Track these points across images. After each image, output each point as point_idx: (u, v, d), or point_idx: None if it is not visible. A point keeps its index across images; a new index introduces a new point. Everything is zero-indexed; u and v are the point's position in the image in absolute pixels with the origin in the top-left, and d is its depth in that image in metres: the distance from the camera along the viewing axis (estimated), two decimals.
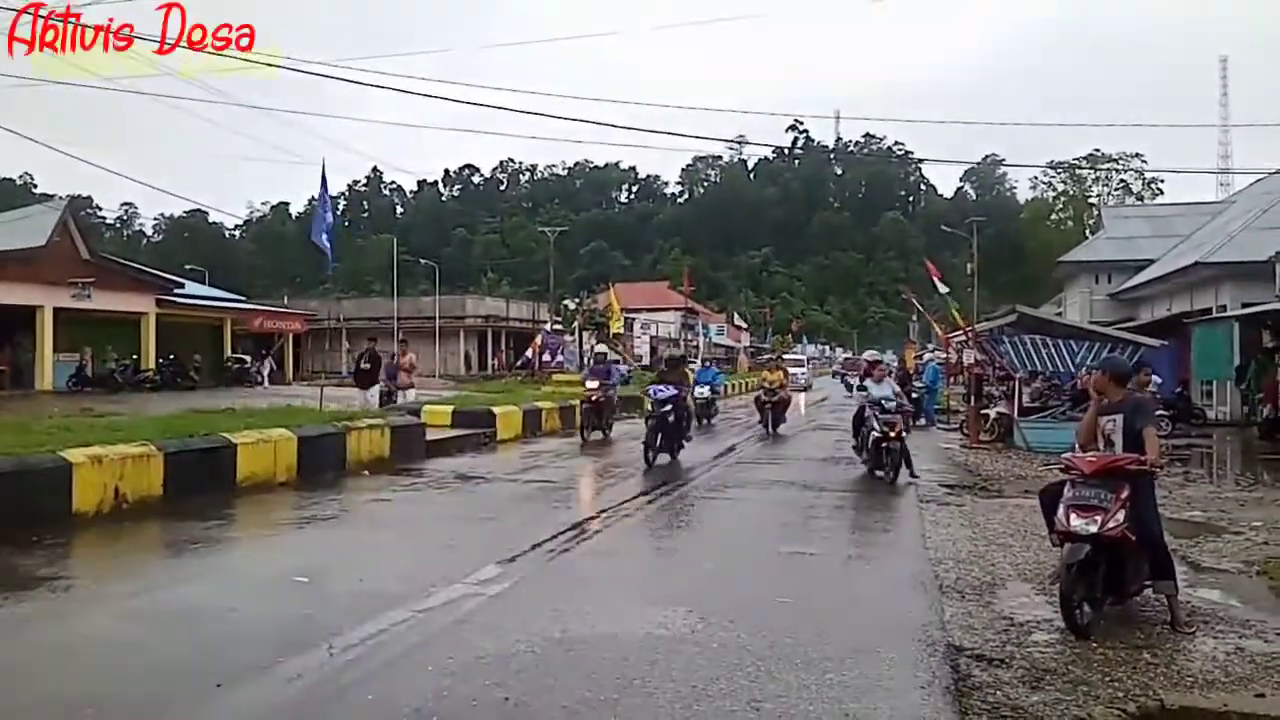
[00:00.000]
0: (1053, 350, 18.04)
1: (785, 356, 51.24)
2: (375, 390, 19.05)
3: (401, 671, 4.85)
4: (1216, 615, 6.17)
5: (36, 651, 5.25)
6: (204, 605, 6.23)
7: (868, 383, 13.77)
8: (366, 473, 12.91)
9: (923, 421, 24.08)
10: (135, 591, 6.67)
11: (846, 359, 75.06)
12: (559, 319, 55.45)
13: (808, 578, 7.43)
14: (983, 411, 19.87)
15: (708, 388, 23.13)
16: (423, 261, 71.58)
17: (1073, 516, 5.79)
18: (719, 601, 6.34)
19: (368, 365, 19.32)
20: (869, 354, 15.94)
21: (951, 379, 28.83)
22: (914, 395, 23.91)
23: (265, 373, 38.69)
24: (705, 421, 22.15)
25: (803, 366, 51.09)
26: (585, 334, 51.76)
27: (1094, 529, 5.67)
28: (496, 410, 18.89)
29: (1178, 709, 4.53)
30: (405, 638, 5.45)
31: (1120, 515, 5.69)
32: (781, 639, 5.46)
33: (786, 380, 21.72)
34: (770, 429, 20.37)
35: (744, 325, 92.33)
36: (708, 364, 25.77)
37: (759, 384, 22.40)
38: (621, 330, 57.15)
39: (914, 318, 63.47)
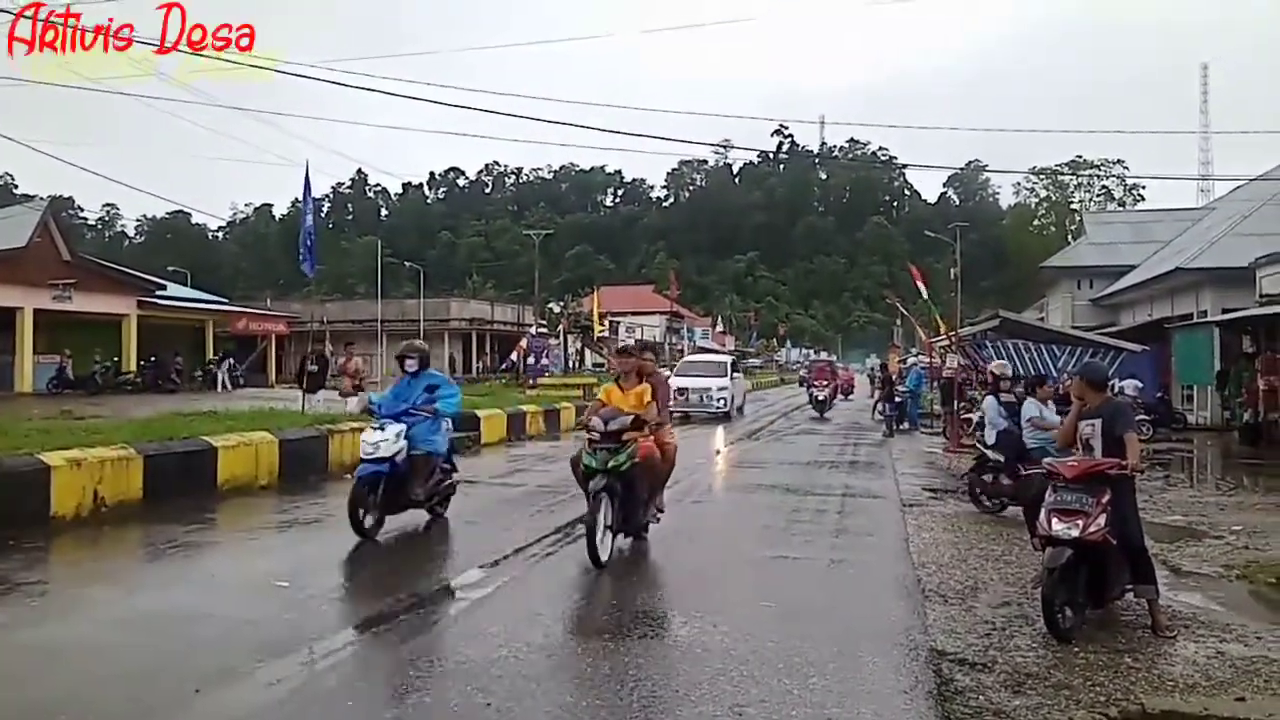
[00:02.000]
0: (1035, 355, 18.17)
1: (701, 355, 36.53)
2: (322, 395, 18.76)
3: (382, 676, 4.82)
4: (1197, 619, 6.20)
5: (13, 656, 5.19)
6: (183, 609, 6.17)
7: (1033, 405, 9.86)
8: (349, 476, 12.80)
9: (906, 426, 24.23)
10: (113, 596, 6.61)
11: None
12: (544, 322, 55.39)
13: (791, 582, 7.43)
14: (965, 416, 19.94)
15: (386, 434, 8.69)
16: (407, 264, 71.39)
17: (1054, 521, 5.82)
18: (702, 605, 6.32)
19: (314, 369, 19.04)
20: (996, 365, 12.00)
21: (934, 384, 28.94)
22: (898, 400, 24.06)
23: (222, 376, 36.36)
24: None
25: (724, 376, 26.80)
26: (570, 337, 51.72)
27: (1075, 533, 5.70)
28: (481, 414, 18.82)
29: (1159, 713, 4.55)
30: (387, 642, 5.42)
31: (1101, 519, 5.72)
32: (765, 643, 5.45)
33: (665, 404, 8.95)
34: (599, 555, 7.46)
35: (725, 330, 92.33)
36: (411, 367, 9.26)
37: (586, 418, 8.29)
38: (605, 333, 57.16)
39: (898, 322, 63.70)
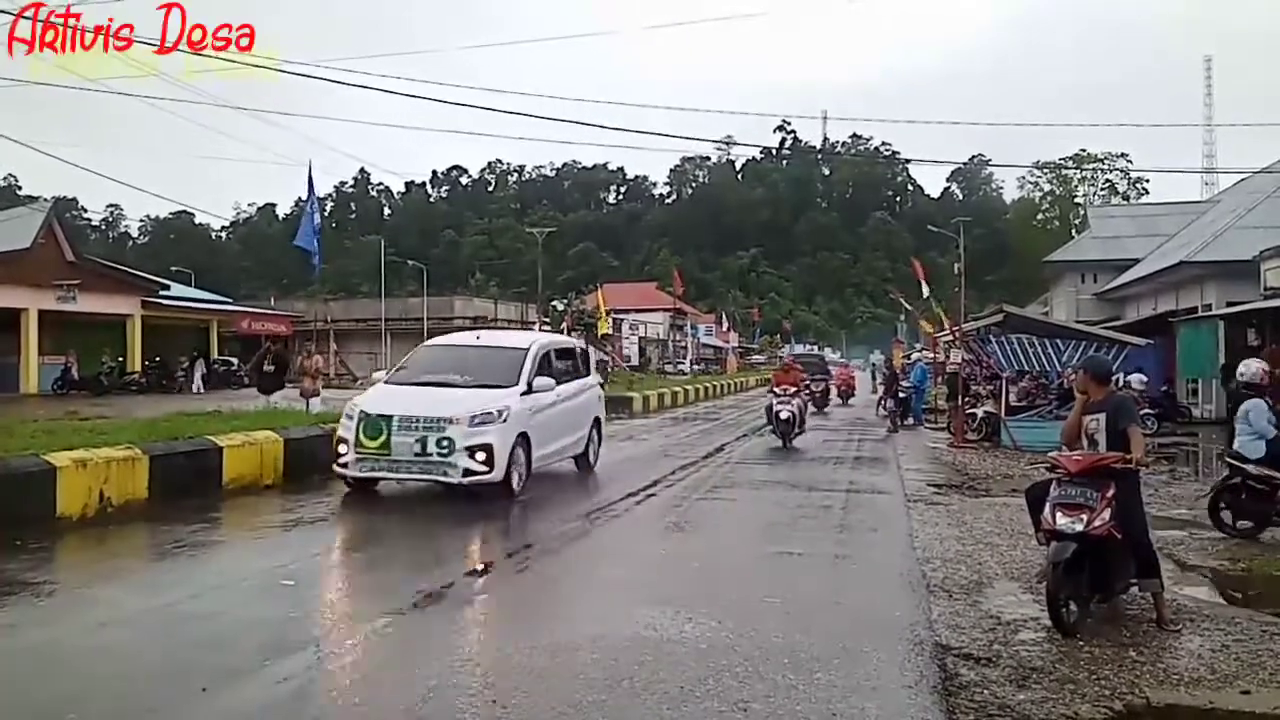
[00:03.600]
0: (1039, 349, 18.13)
1: (466, 339, 14.22)
2: (279, 396, 17.07)
3: (389, 675, 4.83)
4: (1202, 613, 6.19)
5: (19, 656, 5.20)
6: (189, 609, 6.18)
7: None
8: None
9: (910, 421, 24.22)
10: (120, 595, 6.63)
11: (801, 355, 40.64)
12: (547, 320, 55.35)
13: (795, 577, 7.44)
14: (970, 411, 19.95)
15: None
16: (411, 263, 71.37)
17: (1059, 515, 5.81)
18: (707, 602, 6.33)
19: (270, 368, 17.47)
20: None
21: (938, 379, 28.98)
22: (901, 395, 24.05)
23: (198, 377, 34.70)
24: None
25: (506, 386, 11.12)
26: (573, 335, 51.62)
27: (1080, 527, 5.70)
28: None
29: (1164, 707, 4.55)
30: (392, 641, 5.43)
31: (1106, 513, 5.71)
32: (769, 639, 5.46)
33: None
34: None
35: (729, 327, 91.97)
36: None
37: None
38: (610, 331, 57.10)
39: (902, 317, 63.52)
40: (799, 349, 63.59)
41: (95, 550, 8.35)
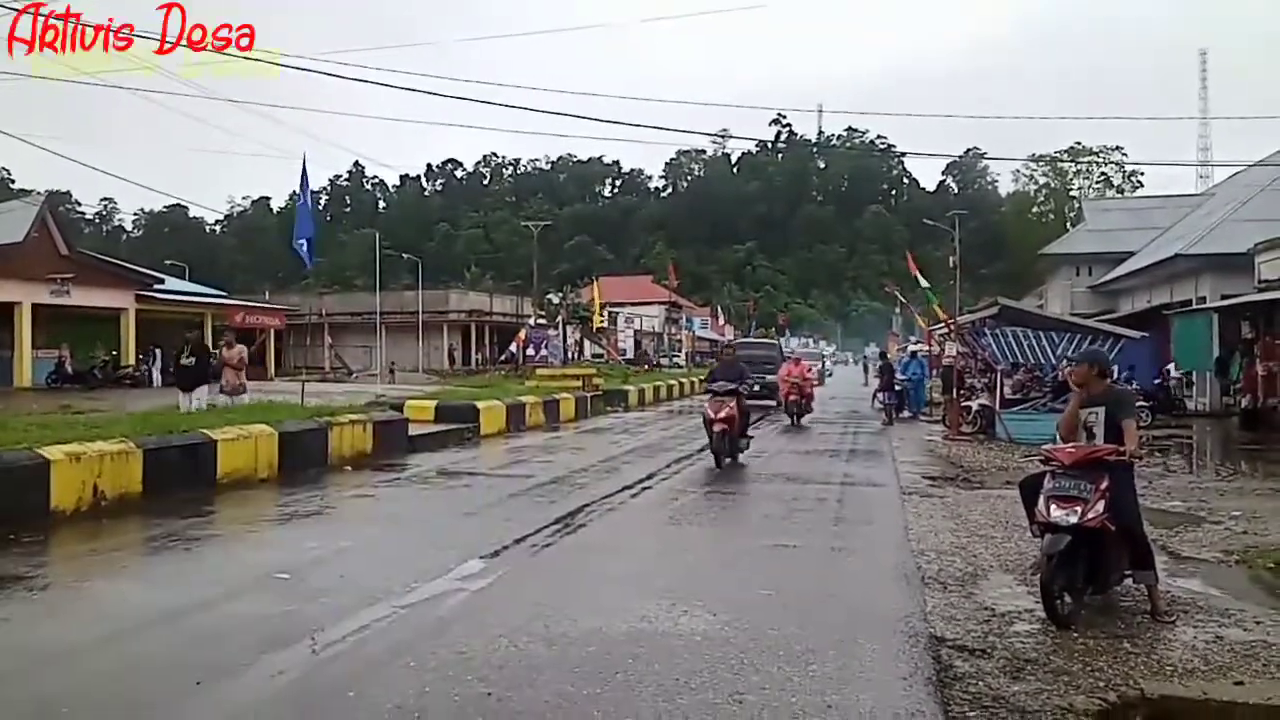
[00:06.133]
0: (1034, 342, 18.16)
1: None
2: (202, 392, 15.46)
3: (384, 668, 4.82)
4: (1196, 604, 6.20)
5: (13, 651, 5.18)
6: (184, 603, 6.16)
7: None
8: (348, 468, 12.84)
9: (907, 414, 24.27)
10: (114, 589, 6.62)
11: (739, 341, 33.47)
12: (543, 313, 55.30)
13: (791, 570, 7.44)
14: (964, 404, 19.97)
15: None
16: (405, 256, 71.13)
17: (1053, 507, 5.81)
18: (702, 594, 6.33)
19: (190, 360, 15.76)
20: None
21: (934, 371, 28.99)
22: (898, 388, 24.08)
23: (151, 371, 33.16)
24: None
25: None
26: (569, 328, 51.59)
27: (1074, 520, 5.70)
28: (480, 405, 18.83)
29: (1158, 698, 4.55)
30: (388, 634, 5.42)
31: (1100, 506, 5.71)
32: (764, 631, 5.46)
33: None
34: None
35: (723, 319, 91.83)
36: None
37: None
38: (605, 324, 57.04)
39: (897, 310, 63.52)
40: (795, 343, 61.19)
41: (89, 544, 8.31)
